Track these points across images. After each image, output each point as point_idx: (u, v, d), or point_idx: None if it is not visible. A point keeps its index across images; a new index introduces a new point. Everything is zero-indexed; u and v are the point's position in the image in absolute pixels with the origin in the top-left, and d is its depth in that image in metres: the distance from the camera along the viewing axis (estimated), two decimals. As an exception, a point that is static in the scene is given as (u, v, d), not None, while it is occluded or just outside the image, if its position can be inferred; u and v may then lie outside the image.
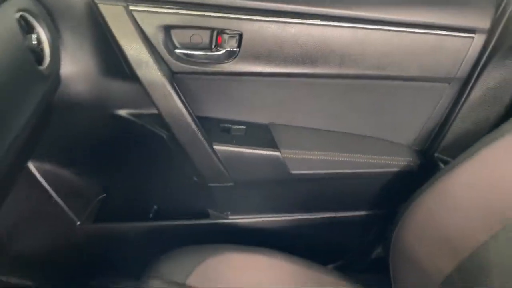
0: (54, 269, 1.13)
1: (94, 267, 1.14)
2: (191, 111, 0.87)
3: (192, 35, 0.82)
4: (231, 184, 0.96)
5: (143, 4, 0.77)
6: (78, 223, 1.03)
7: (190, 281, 0.83)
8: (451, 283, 0.76)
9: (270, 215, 1.08)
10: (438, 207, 0.79)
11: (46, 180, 0.96)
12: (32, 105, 0.70)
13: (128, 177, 1.05)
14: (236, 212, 1.07)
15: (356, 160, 0.95)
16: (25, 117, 0.68)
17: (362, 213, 1.09)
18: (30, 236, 1.05)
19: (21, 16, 0.69)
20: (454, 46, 0.84)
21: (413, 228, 0.83)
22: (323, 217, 1.08)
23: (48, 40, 0.76)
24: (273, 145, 0.93)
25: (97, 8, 0.76)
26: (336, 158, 0.95)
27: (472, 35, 0.83)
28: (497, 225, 0.70)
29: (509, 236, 0.68)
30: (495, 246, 0.69)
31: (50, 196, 0.98)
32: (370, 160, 0.96)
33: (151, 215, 1.08)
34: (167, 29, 0.81)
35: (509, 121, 0.75)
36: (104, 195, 1.10)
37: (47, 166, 0.96)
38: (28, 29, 0.71)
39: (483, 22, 0.82)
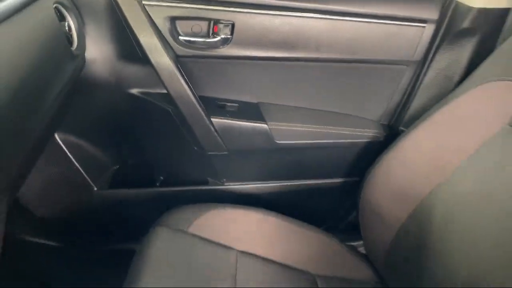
0: (74, 231, 1.28)
1: (109, 229, 1.29)
2: (192, 89, 1.03)
3: (193, 25, 0.98)
4: (226, 152, 1.12)
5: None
6: (95, 188, 1.18)
7: (191, 229, 0.98)
8: (405, 229, 0.90)
9: (260, 182, 1.23)
10: (394, 165, 0.94)
11: (69, 150, 1.11)
12: (63, 79, 0.85)
13: (139, 149, 1.21)
14: (230, 179, 1.22)
15: (332, 132, 1.11)
16: (57, 90, 0.83)
17: (339, 180, 1.24)
18: (54, 200, 1.19)
19: (56, 7, 0.85)
20: (409, 33, 1.00)
21: (376, 185, 0.98)
22: (305, 184, 1.24)
23: (76, 28, 0.92)
24: (261, 119, 1.08)
25: (116, 2, 0.92)
26: (314, 130, 1.10)
27: (424, 24, 0.99)
28: (440, 177, 0.85)
29: (450, 187, 0.83)
30: (439, 196, 0.84)
31: (72, 164, 1.13)
32: (344, 132, 1.12)
33: (158, 183, 1.23)
34: (173, 20, 0.97)
35: (452, 92, 0.91)
36: (118, 166, 1.25)
37: (71, 138, 1.11)
38: (60, 18, 0.87)
39: (432, 13, 0.98)
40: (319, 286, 0.96)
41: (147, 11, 0.94)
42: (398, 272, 0.92)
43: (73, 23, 0.91)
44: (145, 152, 1.21)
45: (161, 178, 1.25)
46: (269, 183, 1.23)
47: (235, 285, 0.88)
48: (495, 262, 0.66)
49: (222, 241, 0.98)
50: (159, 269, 0.87)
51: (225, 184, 1.22)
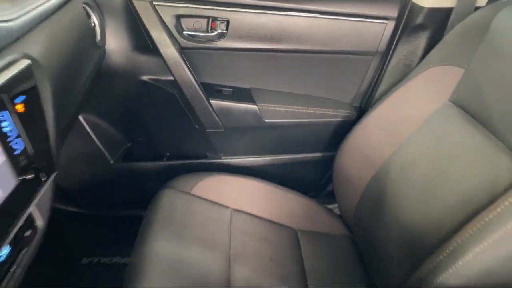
0: (93, 198, 1.46)
1: (123, 197, 1.47)
2: (195, 76, 1.21)
3: (195, 22, 1.16)
4: (222, 130, 1.30)
5: (163, 1, 1.11)
6: (111, 161, 1.36)
7: (193, 191, 1.16)
8: (369, 188, 1.08)
9: (251, 156, 1.41)
10: (361, 138, 1.13)
11: (90, 128, 1.29)
12: (90, 65, 1.03)
13: (148, 127, 1.39)
14: (226, 153, 1.40)
15: (311, 112, 1.29)
16: (87, 74, 1.01)
17: (318, 154, 1.42)
18: (76, 172, 1.37)
19: (83, 7, 1.03)
20: (374, 29, 1.18)
21: (346, 156, 1.17)
22: (290, 158, 1.42)
23: (99, 23, 1.10)
24: (252, 101, 1.27)
25: (131, 3, 1.10)
26: (297, 110, 1.29)
27: (386, 21, 1.18)
28: (395, 146, 1.03)
29: (403, 153, 1.00)
30: (394, 160, 1.02)
31: (92, 141, 1.31)
32: (322, 112, 1.30)
33: (164, 158, 1.41)
34: (178, 17, 1.15)
35: (406, 77, 1.08)
36: (130, 143, 1.43)
37: (91, 117, 1.28)
38: (87, 15, 1.05)
39: (392, 12, 1.17)
40: (300, 238, 1.14)
41: (157, 10, 1.12)
42: (363, 225, 1.10)
43: (97, 20, 1.09)
44: (154, 131, 1.39)
45: (167, 154, 1.44)
46: (259, 157, 1.41)
47: (229, 236, 1.06)
48: (434, 211, 0.84)
49: (219, 201, 1.16)
50: (166, 222, 1.05)
51: (222, 158, 1.40)
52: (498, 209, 0.68)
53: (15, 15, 0.68)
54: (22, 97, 0.62)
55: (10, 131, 0.59)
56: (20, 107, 0.61)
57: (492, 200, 0.71)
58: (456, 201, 0.78)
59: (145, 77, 1.25)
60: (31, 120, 0.65)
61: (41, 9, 0.78)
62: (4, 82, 0.57)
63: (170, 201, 1.10)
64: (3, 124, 0.57)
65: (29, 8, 0.74)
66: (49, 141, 0.75)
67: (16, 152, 0.61)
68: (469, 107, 0.88)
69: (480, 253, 0.66)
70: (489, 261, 0.66)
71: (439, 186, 0.85)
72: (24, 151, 0.63)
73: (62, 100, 0.84)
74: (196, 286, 0.90)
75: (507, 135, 0.77)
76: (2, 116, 0.56)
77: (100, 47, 1.08)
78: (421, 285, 0.76)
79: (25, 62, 0.64)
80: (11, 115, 0.59)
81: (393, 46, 1.21)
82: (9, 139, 0.59)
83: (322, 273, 1.05)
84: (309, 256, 1.09)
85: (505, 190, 0.70)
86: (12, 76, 0.59)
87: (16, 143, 0.61)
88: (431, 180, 0.88)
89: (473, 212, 0.73)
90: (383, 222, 0.98)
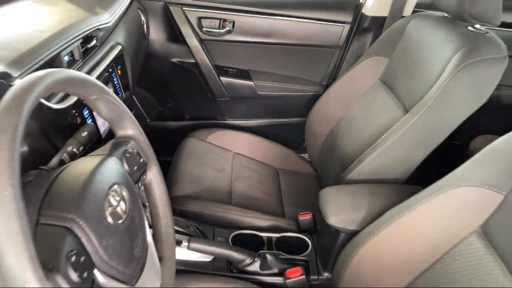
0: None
1: (156, 148, 1.92)
2: (210, 59, 1.66)
3: (211, 22, 1.61)
4: (228, 99, 1.76)
5: (189, 7, 1.56)
6: (148, 120, 1.81)
7: (207, 139, 1.61)
8: (326, 139, 1.53)
9: (248, 119, 1.86)
10: (321, 106, 1.57)
11: (135, 96, 1.74)
12: (143, 50, 1.49)
13: (175, 96, 1.84)
14: (230, 116, 1.86)
15: (291, 87, 1.74)
16: (141, 55, 1.46)
17: (296, 119, 1.87)
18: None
19: (137, 11, 1.48)
20: (335, 29, 1.63)
21: (312, 118, 1.61)
22: (276, 121, 1.87)
23: (146, 22, 1.54)
24: (249, 78, 1.72)
25: (168, 8, 1.55)
26: (281, 86, 1.74)
27: (343, 24, 1.62)
28: (343, 111, 1.47)
29: (348, 115, 1.45)
30: (343, 121, 1.46)
31: (136, 104, 1.76)
32: (299, 88, 1.75)
33: (186, 119, 1.87)
34: (199, 18, 1.60)
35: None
36: (161, 108, 1.88)
37: (136, 89, 1.73)
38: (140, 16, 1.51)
39: (348, 18, 1.61)
40: (279, 173, 1.59)
41: (185, 13, 1.57)
42: (322, 164, 1.55)
43: (144, 19, 1.54)
44: (179, 99, 1.84)
45: (187, 116, 1.89)
46: (254, 120, 1.87)
47: (231, 167, 1.51)
48: (359, 143, 1.29)
49: (225, 147, 1.60)
50: (190, 156, 1.50)
51: (227, 119, 1.86)
52: (388, 133, 1.13)
53: (110, 18, 1.14)
54: (119, 66, 1.08)
55: (117, 84, 1.04)
56: (119, 71, 1.07)
57: (387, 131, 1.14)
58: (371, 134, 1.24)
59: (174, 60, 1.70)
60: (123, 78, 1.11)
61: (119, 14, 1.23)
62: (113, 57, 1.03)
63: (192, 145, 1.56)
64: (115, 80, 1.02)
65: (114, 13, 1.19)
66: (130, 90, 1.21)
67: (119, 96, 1.07)
68: (388, 83, 1.33)
69: (373, 158, 1.11)
70: (378, 164, 1.12)
71: (365, 128, 1.30)
72: (122, 96, 1.09)
73: (133, 68, 1.30)
74: (210, 193, 1.36)
75: (404, 98, 1.22)
76: (114, 75, 1.02)
77: (146, 38, 1.54)
78: (344, 180, 1.19)
79: (119, 47, 1.10)
80: (117, 75, 1.05)
81: (348, 42, 1.66)
82: (117, 89, 1.05)
83: (292, 193, 1.51)
84: (284, 183, 1.55)
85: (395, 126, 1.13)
86: (116, 55, 1.05)
87: (119, 91, 1.07)
88: (361, 128, 1.33)
89: (377, 137, 1.17)
90: (333, 156, 1.44)
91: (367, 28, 1.59)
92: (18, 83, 0.47)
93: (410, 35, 1.29)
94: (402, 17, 1.52)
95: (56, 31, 0.85)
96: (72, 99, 0.80)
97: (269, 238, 1.19)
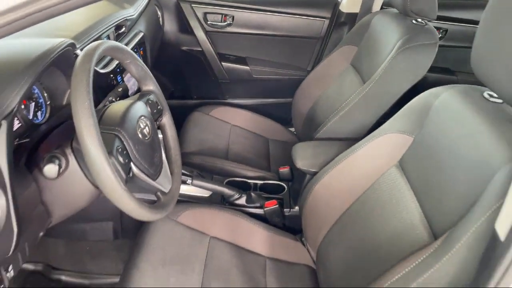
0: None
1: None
2: (214, 48, 1.95)
3: (214, 16, 1.90)
4: (228, 81, 2.05)
5: (197, 4, 1.86)
6: (162, 99, 2.11)
7: (211, 113, 1.90)
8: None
9: (244, 98, 2.16)
10: (305, 87, 1.86)
11: (151, 78, 2.04)
12: (159, 39, 1.79)
13: (184, 79, 2.14)
14: (230, 96, 2.15)
15: (281, 71, 2.04)
16: (158, 43, 1.76)
17: (284, 99, 2.15)
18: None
19: (155, 5, 1.78)
20: (318, 23, 1.91)
21: (298, 98, 1.89)
22: (268, 100, 2.16)
23: (161, 15, 1.84)
24: (246, 64, 2.01)
25: (179, 4, 1.85)
26: (272, 70, 2.03)
27: (323, 19, 1.90)
28: (322, 90, 1.76)
29: (326, 95, 1.73)
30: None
31: (151, 85, 2.05)
32: (288, 72, 2.04)
33: (193, 98, 2.17)
34: (205, 14, 1.89)
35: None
36: (173, 88, 2.18)
37: (153, 71, 2.03)
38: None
39: (327, 14, 1.90)
40: (269, 142, 1.88)
41: (193, 9, 1.86)
42: (305, 134, 1.83)
43: (160, 13, 1.83)
44: (187, 81, 2.14)
45: (195, 96, 2.19)
46: (249, 99, 2.16)
47: (229, 138, 1.80)
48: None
49: (224, 119, 1.89)
50: (194, 127, 1.79)
51: (227, 99, 2.15)
52: (347, 101, 1.41)
53: (134, 12, 1.44)
54: (141, 48, 1.38)
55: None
56: (141, 52, 1.37)
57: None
58: (339, 105, 1.52)
59: (184, 48, 2.00)
60: (144, 59, 1.41)
61: (141, 8, 1.53)
62: (137, 41, 1.33)
63: (197, 118, 1.85)
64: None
65: (137, 8, 1.49)
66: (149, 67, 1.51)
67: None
68: (357, 67, 1.61)
69: (335, 121, 1.40)
70: (338, 125, 1.40)
71: (335, 102, 1.58)
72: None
73: (151, 52, 1.60)
74: (210, 151, 1.65)
75: (365, 77, 1.50)
76: (138, 55, 1.32)
77: (162, 29, 1.84)
78: (313, 139, 1.47)
79: (141, 34, 1.40)
80: (140, 56, 1.34)
81: (328, 34, 1.94)
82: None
83: (277, 155, 1.79)
84: (272, 149, 1.83)
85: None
86: (139, 40, 1.35)
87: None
88: (333, 102, 1.61)
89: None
90: (311, 126, 1.72)
91: (343, 22, 1.88)
92: (87, 46, 0.77)
93: (373, 28, 1.57)
94: (372, 12, 1.80)
95: (98, 19, 1.16)
96: (111, 67, 1.10)
97: (255, 184, 1.48)
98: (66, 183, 0.83)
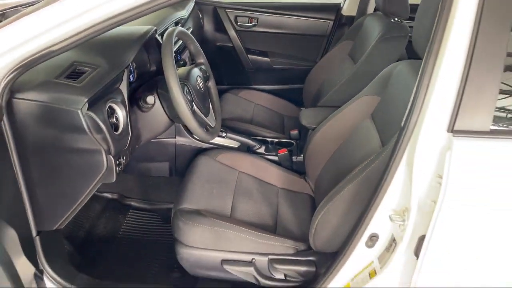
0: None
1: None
2: (242, 43, 2.41)
3: (243, 19, 2.36)
4: (253, 70, 2.50)
5: (230, 9, 2.32)
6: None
7: (239, 95, 2.34)
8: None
9: (265, 84, 2.58)
10: (316, 72, 2.28)
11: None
12: (200, 36, 2.25)
13: (219, 65, 2.57)
14: (255, 82, 2.59)
15: (294, 62, 2.47)
16: (199, 42, 2.23)
17: (297, 85, 2.57)
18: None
19: (198, 11, 2.24)
20: (324, 24, 2.34)
21: (309, 83, 2.32)
22: (284, 86, 2.59)
23: (202, 17, 2.31)
24: (267, 56, 2.46)
25: (216, 10, 2.32)
26: (287, 61, 2.46)
27: (329, 20, 2.33)
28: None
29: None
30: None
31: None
32: (300, 63, 2.47)
33: (225, 83, 2.61)
34: (236, 17, 2.35)
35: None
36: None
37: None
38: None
39: (331, 16, 2.32)
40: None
41: (227, 13, 2.33)
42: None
43: (201, 15, 2.30)
44: (220, 70, 2.58)
45: (226, 83, 2.63)
46: (269, 86, 2.59)
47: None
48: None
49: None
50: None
51: (252, 84, 2.59)
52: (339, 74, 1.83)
53: (186, 13, 1.90)
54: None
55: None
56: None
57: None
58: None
59: (219, 43, 2.47)
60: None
61: (189, 11, 1.99)
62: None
63: (229, 98, 2.29)
64: (189, 45, 1.79)
65: (187, 10, 1.95)
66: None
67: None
68: (352, 57, 2.03)
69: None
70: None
71: (336, 80, 2.00)
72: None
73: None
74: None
75: (356, 60, 1.92)
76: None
77: (202, 27, 2.31)
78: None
79: (191, 29, 1.86)
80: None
81: (333, 32, 2.37)
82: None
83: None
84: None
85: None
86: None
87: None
88: (336, 82, 2.03)
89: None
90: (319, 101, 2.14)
91: (344, 23, 2.31)
92: (168, 30, 1.22)
93: (365, 26, 1.99)
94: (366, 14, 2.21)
95: (163, 17, 1.63)
96: (175, 48, 1.56)
97: (272, 141, 1.92)
98: (151, 116, 1.29)
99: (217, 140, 1.77)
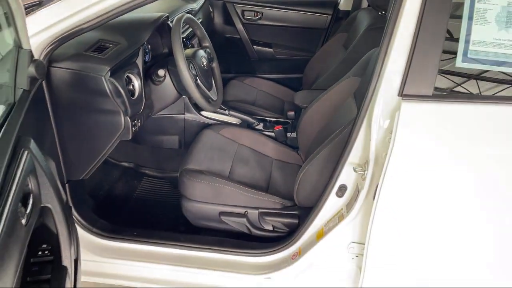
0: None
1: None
2: (248, 35, 2.60)
3: (249, 13, 2.55)
4: (257, 60, 2.69)
5: (237, 4, 2.51)
6: (210, 73, 2.78)
7: (244, 81, 2.53)
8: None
9: (270, 73, 2.77)
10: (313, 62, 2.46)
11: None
12: (210, 28, 2.45)
13: (227, 54, 2.77)
14: (258, 71, 2.78)
15: (296, 53, 2.64)
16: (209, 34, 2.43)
17: (296, 75, 2.75)
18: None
19: (209, 5, 2.44)
20: (323, 18, 2.52)
21: (308, 71, 2.50)
22: (288, 76, 2.77)
23: (212, 11, 2.51)
24: (271, 47, 2.65)
25: (225, 4, 2.51)
26: (289, 52, 2.64)
27: (327, 15, 2.50)
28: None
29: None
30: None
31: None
32: (300, 53, 2.64)
33: (231, 73, 2.81)
34: (243, 11, 2.54)
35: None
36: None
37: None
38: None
39: (330, 11, 2.49)
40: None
41: (234, 8, 2.52)
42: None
43: (211, 9, 2.50)
44: (228, 59, 2.78)
45: (233, 71, 2.83)
46: (274, 75, 2.77)
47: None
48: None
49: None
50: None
51: (256, 73, 2.78)
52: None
53: (196, 6, 2.10)
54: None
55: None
56: (200, 31, 2.04)
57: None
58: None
59: (227, 35, 2.66)
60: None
61: (200, 4, 2.19)
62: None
63: (235, 84, 2.48)
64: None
65: (198, 4, 2.15)
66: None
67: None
68: (346, 48, 2.20)
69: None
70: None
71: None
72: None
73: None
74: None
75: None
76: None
77: (212, 20, 2.51)
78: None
79: (200, 20, 2.06)
80: (199, 32, 2.01)
81: (331, 25, 2.54)
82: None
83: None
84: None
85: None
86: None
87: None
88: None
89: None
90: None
91: (340, 17, 2.47)
92: (177, 16, 1.42)
93: (358, 19, 2.16)
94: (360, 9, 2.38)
95: (175, 8, 1.83)
96: (185, 34, 1.76)
97: (270, 120, 2.10)
98: (162, 88, 1.49)
99: (221, 117, 1.97)
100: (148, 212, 1.78)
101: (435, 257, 1.17)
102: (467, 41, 1.01)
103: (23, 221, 0.69)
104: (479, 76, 1.15)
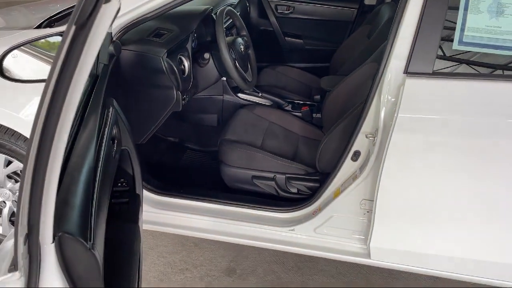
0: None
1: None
2: (281, 28, 2.80)
3: (281, 6, 2.75)
4: (288, 50, 2.88)
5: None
6: (245, 62, 3.01)
7: (276, 69, 2.74)
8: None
9: (299, 63, 2.95)
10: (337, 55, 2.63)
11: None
12: (246, 22, 2.68)
13: (260, 48, 2.99)
14: (289, 60, 2.97)
15: (324, 43, 2.82)
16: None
17: (325, 64, 2.93)
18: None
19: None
20: (349, 11, 2.68)
21: (333, 63, 2.67)
22: (316, 65, 2.95)
23: (249, 5, 2.73)
24: (301, 38, 2.84)
25: (260, 1, 2.73)
26: (319, 42, 2.83)
27: (354, 9, 2.67)
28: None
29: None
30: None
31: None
32: (329, 44, 2.82)
33: (263, 62, 3.02)
34: (276, 5, 2.75)
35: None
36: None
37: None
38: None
39: (355, 5, 2.65)
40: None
41: (269, 3, 2.73)
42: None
43: (248, 4, 2.71)
44: (261, 50, 2.99)
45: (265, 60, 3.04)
46: (303, 64, 2.96)
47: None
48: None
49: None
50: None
51: (287, 62, 2.98)
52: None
53: (235, 0, 2.32)
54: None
55: (237, 27, 2.24)
56: (238, 22, 2.26)
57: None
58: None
59: (262, 28, 2.87)
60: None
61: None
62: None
63: (268, 72, 2.69)
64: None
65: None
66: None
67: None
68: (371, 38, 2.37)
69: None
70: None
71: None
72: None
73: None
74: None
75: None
76: (236, 23, 2.21)
77: (249, 14, 2.72)
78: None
79: (238, 13, 2.29)
80: (237, 23, 2.24)
81: (357, 18, 2.70)
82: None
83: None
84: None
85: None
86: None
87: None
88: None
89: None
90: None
91: (365, 11, 2.63)
92: (220, 9, 1.65)
93: (381, 13, 2.32)
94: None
95: (216, 3, 2.06)
96: (225, 24, 1.99)
97: (298, 102, 2.31)
98: (206, 70, 1.73)
99: (254, 99, 2.19)
100: (191, 178, 2.03)
101: (435, 215, 1.35)
102: (462, 29, 1.18)
103: (114, 155, 0.94)
104: (469, 60, 1.33)
